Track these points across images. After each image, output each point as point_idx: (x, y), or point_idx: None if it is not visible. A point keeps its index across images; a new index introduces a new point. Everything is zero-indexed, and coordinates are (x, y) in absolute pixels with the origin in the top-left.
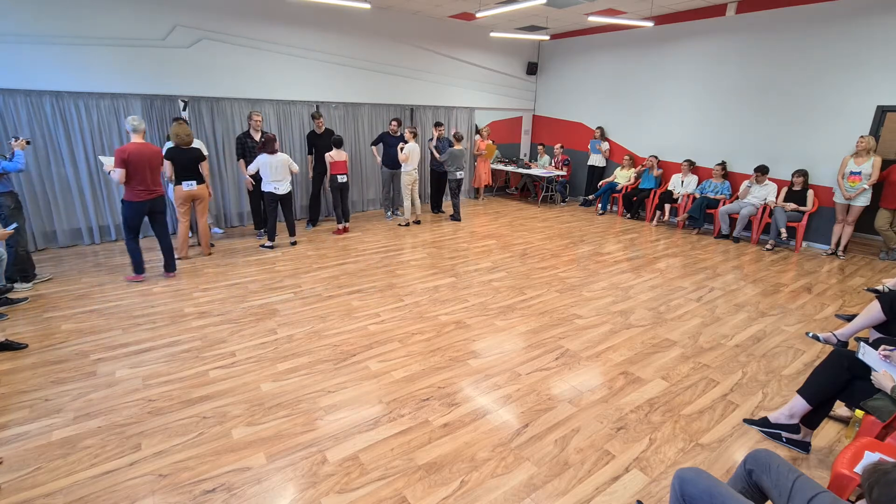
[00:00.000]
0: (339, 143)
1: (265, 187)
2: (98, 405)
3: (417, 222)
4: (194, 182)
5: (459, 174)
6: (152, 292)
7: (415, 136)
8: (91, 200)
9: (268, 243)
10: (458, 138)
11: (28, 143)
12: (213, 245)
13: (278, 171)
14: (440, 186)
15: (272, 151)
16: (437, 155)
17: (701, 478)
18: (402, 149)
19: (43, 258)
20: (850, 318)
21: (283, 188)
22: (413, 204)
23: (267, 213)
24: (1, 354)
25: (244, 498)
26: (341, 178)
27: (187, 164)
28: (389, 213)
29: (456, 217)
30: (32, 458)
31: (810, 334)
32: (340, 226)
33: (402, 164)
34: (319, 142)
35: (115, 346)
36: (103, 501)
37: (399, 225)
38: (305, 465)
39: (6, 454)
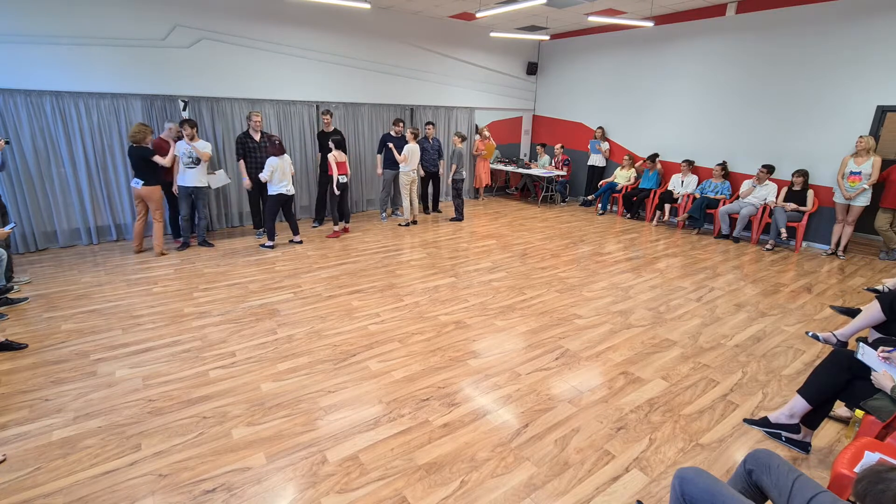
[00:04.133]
0: (339, 144)
1: (275, 190)
2: (98, 405)
3: (415, 222)
4: (140, 181)
5: (460, 174)
6: (152, 292)
7: (416, 137)
8: (90, 200)
9: (268, 243)
10: (463, 137)
11: (7, 142)
12: (212, 245)
13: (286, 173)
14: (433, 186)
15: (282, 153)
16: (396, 156)
17: (701, 477)
18: (399, 149)
19: (43, 258)
20: (844, 311)
21: (291, 189)
22: (412, 204)
23: (266, 214)
24: (1, 354)
25: (244, 498)
26: (343, 179)
27: (135, 162)
28: (384, 215)
29: (458, 217)
30: (32, 458)
31: (810, 333)
32: (339, 227)
33: (401, 165)
34: (327, 140)
35: (115, 346)
36: (103, 501)
37: (399, 225)
38: (305, 465)
39: (6, 454)
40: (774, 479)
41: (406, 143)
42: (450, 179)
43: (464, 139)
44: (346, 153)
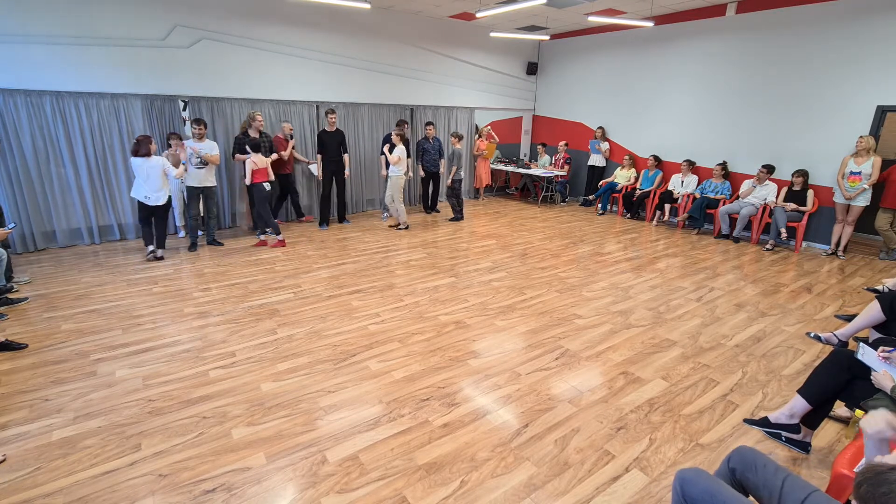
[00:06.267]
0: (257, 147)
1: (135, 194)
2: (98, 405)
3: (407, 227)
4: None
5: (458, 174)
6: (152, 292)
7: (402, 138)
8: (91, 200)
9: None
10: (459, 137)
11: None
12: (221, 244)
13: (152, 179)
14: (433, 186)
15: (146, 154)
16: (388, 157)
17: (701, 478)
18: (390, 150)
19: (42, 258)
20: (849, 319)
21: (157, 199)
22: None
23: (142, 223)
24: (1, 354)
25: (244, 498)
26: (267, 186)
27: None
28: (386, 215)
29: (458, 217)
30: (32, 458)
31: (811, 334)
32: (269, 237)
33: (394, 168)
34: (330, 140)
35: (115, 346)
36: (103, 501)
37: (398, 228)
38: (305, 465)
39: (6, 454)
40: (762, 478)
41: (406, 142)
42: (449, 180)
43: (460, 139)
44: (268, 156)
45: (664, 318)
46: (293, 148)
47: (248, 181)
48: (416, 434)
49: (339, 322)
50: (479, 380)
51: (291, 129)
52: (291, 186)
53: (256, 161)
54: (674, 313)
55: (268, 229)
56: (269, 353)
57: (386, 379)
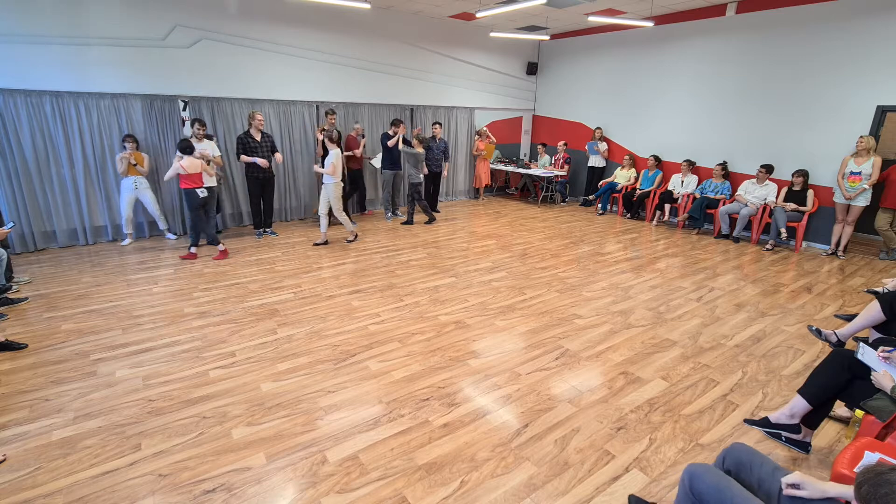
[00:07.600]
0: (187, 149)
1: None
2: (98, 405)
3: (326, 243)
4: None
5: (417, 177)
6: (152, 292)
7: (332, 140)
8: (86, 201)
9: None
10: (421, 140)
11: None
12: (220, 243)
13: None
14: (435, 187)
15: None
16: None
17: (710, 473)
18: (321, 157)
19: (42, 258)
20: (849, 319)
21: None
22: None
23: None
24: (1, 354)
25: (244, 498)
26: (202, 193)
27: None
28: (389, 214)
29: (408, 221)
30: (32, 458)
31: (812, 328)
32: (220, 248)
33: (328, 176)
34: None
35: (115, 346)
36: (103, 501)
37: (315, 244)
38: (305, 465)
39: (6, 454)
40: (757, 477)
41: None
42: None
43: (422, 141)
44: (196, 157)
45: (664, 318)
46: (363, 147)
47: (166, 177)
48: (416, 434)
49: (339, 322)
50: (479, 380)
51: (362, 129)
52: (361, 181)
53: (185, 166)
54: (674, 313)
55: (201, 242)
56: (269, 353)
57: (386, 379)
